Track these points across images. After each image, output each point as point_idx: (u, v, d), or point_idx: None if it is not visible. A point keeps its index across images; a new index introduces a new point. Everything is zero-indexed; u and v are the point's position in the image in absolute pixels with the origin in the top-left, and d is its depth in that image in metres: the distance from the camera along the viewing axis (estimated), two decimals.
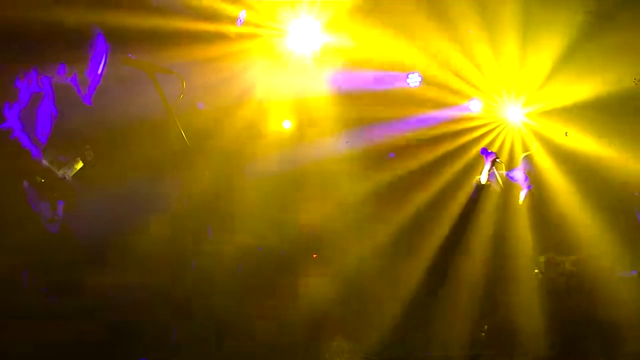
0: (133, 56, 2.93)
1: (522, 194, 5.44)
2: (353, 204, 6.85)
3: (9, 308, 2.51)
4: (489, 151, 5.44)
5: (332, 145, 7.31)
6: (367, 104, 6.96)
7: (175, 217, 3.13)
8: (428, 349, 5.05)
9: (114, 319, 4.54)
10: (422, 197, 6.80)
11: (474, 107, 7.23)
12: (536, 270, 5.51)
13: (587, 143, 6.46)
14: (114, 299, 4.75)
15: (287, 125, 7.54)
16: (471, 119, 7.23)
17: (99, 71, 2.86)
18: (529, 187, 5.45)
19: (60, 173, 2.70)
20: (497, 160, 5.37)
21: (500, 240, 5.36)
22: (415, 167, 7.03)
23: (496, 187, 5.37)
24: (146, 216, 5.19)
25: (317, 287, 5.93)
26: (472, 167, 6.20)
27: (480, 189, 5.40)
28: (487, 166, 5.30)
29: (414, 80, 7.08)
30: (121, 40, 2.98)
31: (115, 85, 3.05)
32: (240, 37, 5.71)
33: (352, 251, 6.63)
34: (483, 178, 5.36)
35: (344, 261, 6.67)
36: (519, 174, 5.55)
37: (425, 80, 6.95)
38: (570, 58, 6.10)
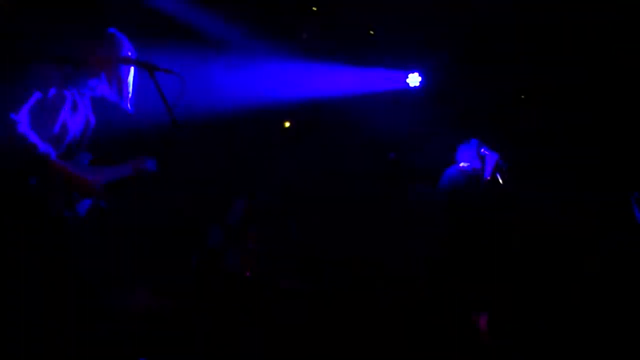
0: (132, 56, 2.93)
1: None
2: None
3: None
4: (492, 151, 5.15)
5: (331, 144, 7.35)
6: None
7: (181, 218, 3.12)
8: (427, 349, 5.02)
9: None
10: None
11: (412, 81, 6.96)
12: None
13: None
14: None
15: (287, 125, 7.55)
16: None
17: (131, 75, 2.89)
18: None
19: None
20: (500, 161, 5.08)
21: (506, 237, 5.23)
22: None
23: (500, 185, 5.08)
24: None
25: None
26: None
27: (483, 187, 5.13)
28: (489, 167, 5.03)
29: (413, 80, 7.03)
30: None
31: None
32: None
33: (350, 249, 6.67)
34: (484, 177, 5.12)
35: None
36: None
37: None
38: None
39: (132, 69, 2.91)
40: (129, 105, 2.91)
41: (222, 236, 5.91)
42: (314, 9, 5.86)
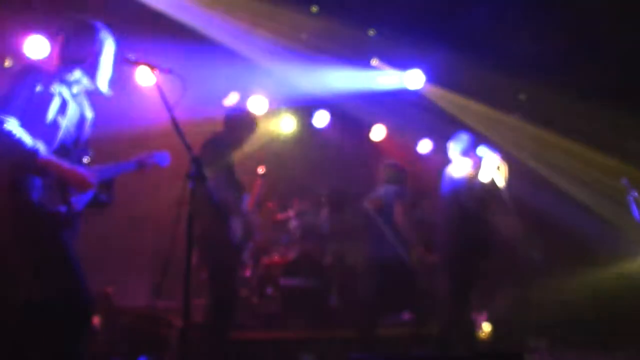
0: (132, 56, 2.93)
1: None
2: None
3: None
4: (491, 149, 4.94)
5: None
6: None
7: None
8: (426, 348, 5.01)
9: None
10: None
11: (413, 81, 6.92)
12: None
13: None
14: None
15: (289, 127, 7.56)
16: None
17: (110, 59, 2.89)
18: None
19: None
20: (500, 161, 4.88)
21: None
22: None
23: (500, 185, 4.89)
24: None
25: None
26: None
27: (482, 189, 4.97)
28: (489, 166, 4.83)
29: (414, 80, 6.98)
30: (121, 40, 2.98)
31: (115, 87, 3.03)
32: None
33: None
34: (484, 177, 4.78)
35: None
36: None
37: None
38: None
39: (111, 56, 2.90)
40: (106, 88, 2.90)
41: (240, 230, 5.80)
42: (314, 9, 5.86)
